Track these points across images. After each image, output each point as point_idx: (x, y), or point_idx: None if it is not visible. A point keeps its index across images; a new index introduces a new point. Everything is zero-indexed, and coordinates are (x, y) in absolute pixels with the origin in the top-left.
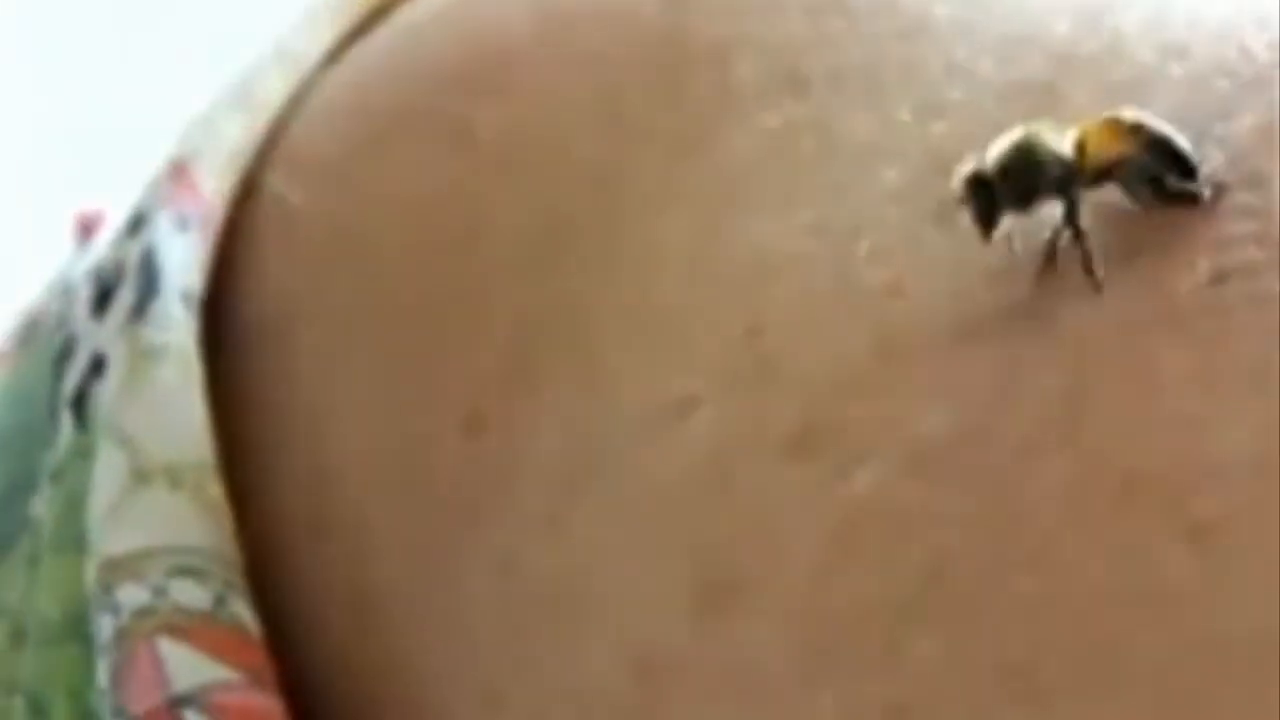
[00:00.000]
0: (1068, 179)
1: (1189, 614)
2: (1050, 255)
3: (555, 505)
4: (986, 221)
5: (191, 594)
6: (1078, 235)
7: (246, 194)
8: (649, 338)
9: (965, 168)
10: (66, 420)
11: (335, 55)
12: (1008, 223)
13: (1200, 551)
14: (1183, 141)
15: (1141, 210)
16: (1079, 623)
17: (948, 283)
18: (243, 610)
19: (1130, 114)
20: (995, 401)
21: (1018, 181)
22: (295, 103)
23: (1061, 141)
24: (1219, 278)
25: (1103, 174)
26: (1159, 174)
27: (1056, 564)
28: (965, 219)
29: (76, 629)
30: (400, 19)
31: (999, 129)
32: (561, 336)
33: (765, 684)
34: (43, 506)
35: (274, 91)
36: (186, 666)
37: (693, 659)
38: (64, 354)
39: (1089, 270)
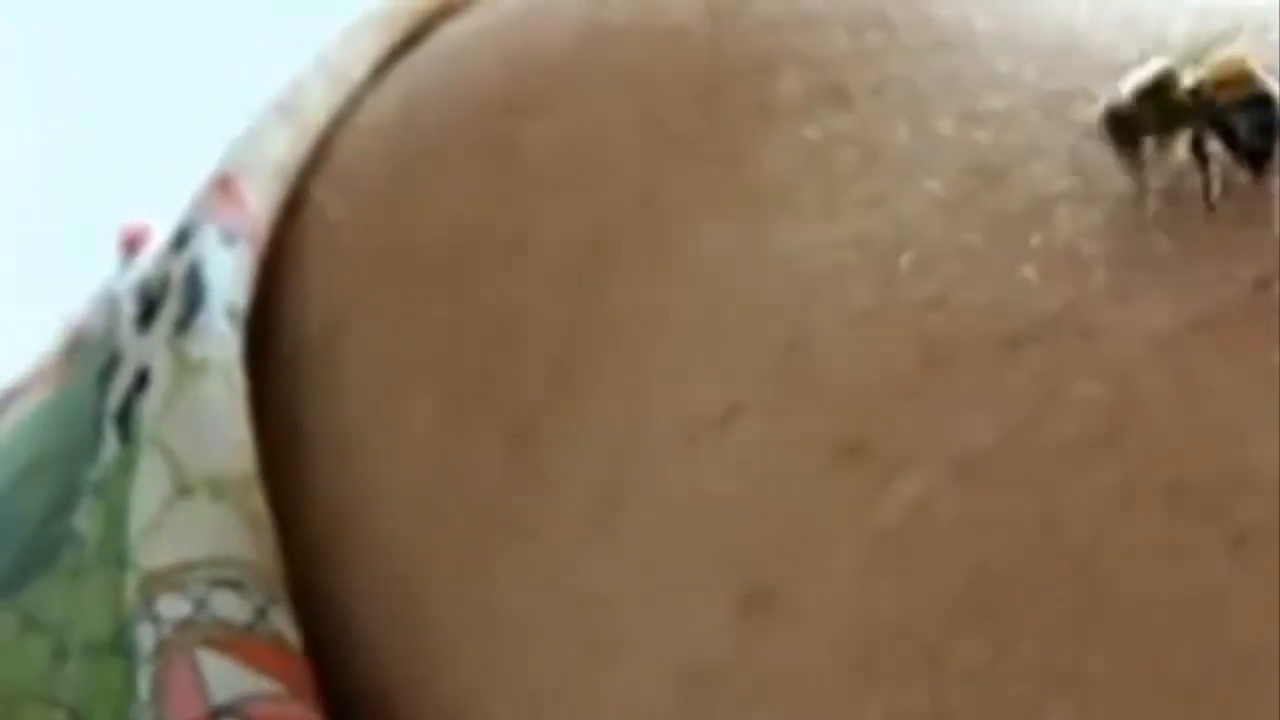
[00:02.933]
0: (1195, 110)
1: (1231, 621)
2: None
3: (598, 517)
4: (1130, 149)
5: (233, 606)
6: (1205, 162)
7: (292, 209)
8: (692, 350)
9: (1102, 102)
10: (111, 434)
11: (380, 71)
12: (1145, 151)
13: (1242, 559)
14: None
15: (1183, 211)
16: (1122, 630)
17: (991, 293)
18: (284, 623)
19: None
20: (1039, 410)
21: (1158, 107)
22: (341, 119)
23: (1185, 79)
24: (1262, 283)
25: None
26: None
27: (1100, 571)
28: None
29: (118, 643)
30: (444, 37)
31: (1042, 137)
32: (605, 350)
33: (810, 695)
34: (86, 520)
35: (319, 107)
36: (227, 678)
37: (736, 670)
38: (109, 368)
39: (1207, 198)
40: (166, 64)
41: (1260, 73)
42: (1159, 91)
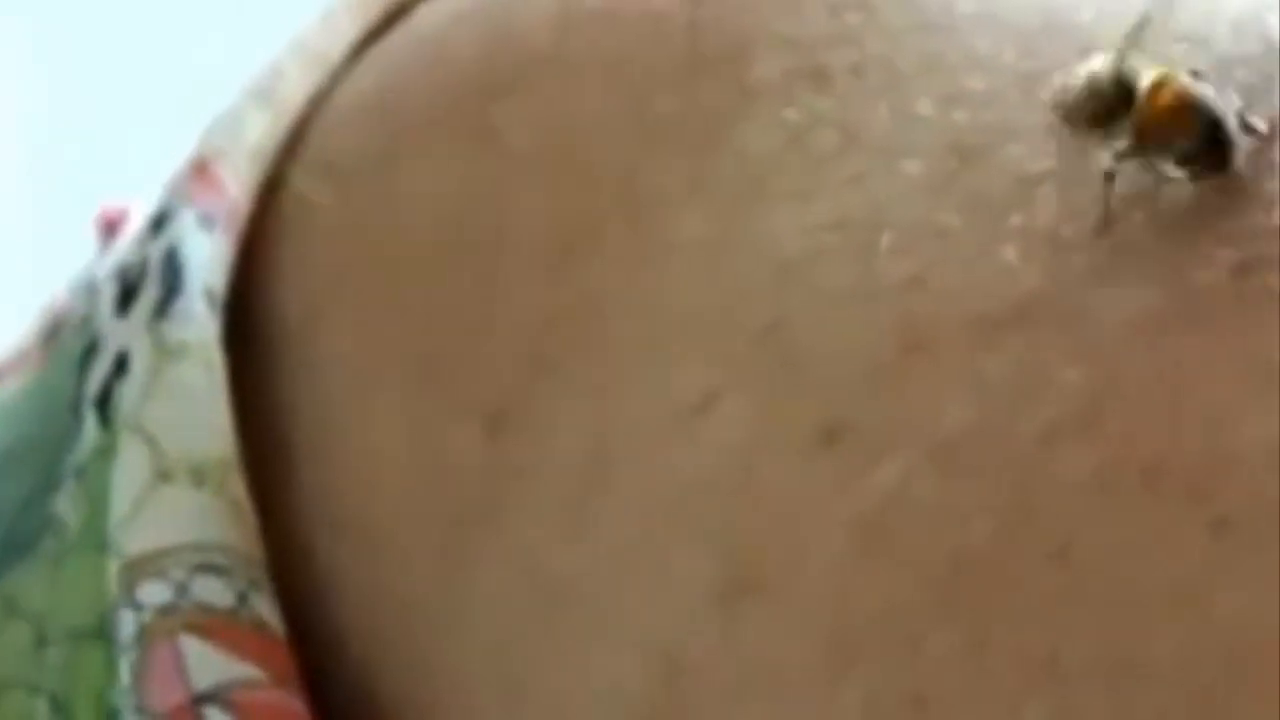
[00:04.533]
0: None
1: (1212, 606)
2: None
3: (577, 503)
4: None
5: (214, 591)
6: (1111, 179)
7: (270, 192)
8: (670, 335)
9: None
10: (90, 419)
11: (357, 54)
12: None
13: (1224, 543)
14: (1231, 127)
15: (1164, 196)
16: (1101, 614)
17: (970, 275)
18: (266, 608)
19: (1195, 89)
20: (1018, 394)
21: (1099, 107)
22: (318, 102)
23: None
24: (1241, 269)
25: (1149, 135)
26: (1197, 152)
27: (1079, 556)
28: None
29: (99, 629)
30: (421, 19)
31: (1021, 118)
32: (583, 335)
33: (789, 679)
34: (66, 506)
35: (296, 90)
36: (208, 664)
37: (716, 655)
38: (88, 353)
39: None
40: (146, 48)
41: (1196, 99)
42: (1098, 94)
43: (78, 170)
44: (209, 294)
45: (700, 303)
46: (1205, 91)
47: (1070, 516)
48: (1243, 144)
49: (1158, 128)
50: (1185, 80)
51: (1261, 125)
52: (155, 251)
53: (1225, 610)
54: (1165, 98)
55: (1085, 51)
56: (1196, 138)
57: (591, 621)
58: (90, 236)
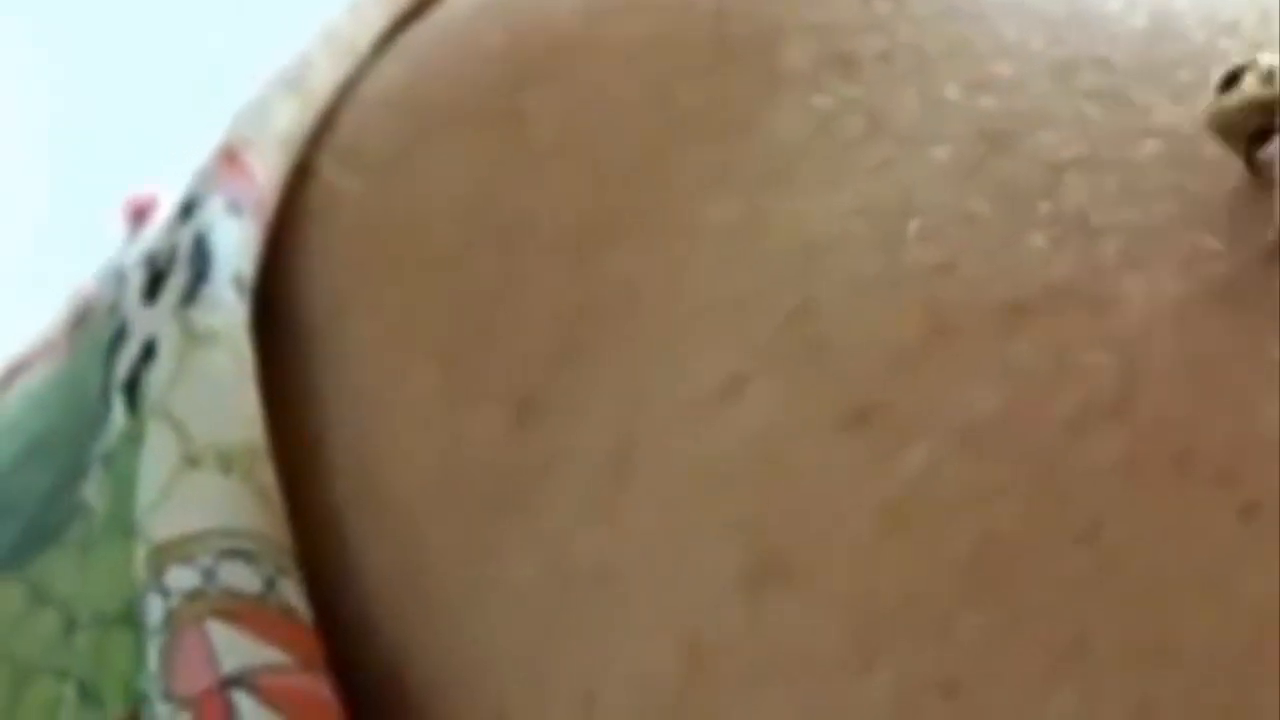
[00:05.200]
0: None
1: (1240, 589)
2: None
3: (604, 489)
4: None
5: (242, 577)
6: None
7: (299, 180)
8: (697, 321)
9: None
10: (118, 406)
11: (386, 43)
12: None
13: (1252, 527)
14: None
15: (1193, 182)
16: (1130, 599)
17: (999, 261)
18: (293, 594)
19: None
20: (1046, 378)
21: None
22: (347, 90)
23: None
24: (1271, 255)
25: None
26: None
27: (1107, 540)
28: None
29: (127, 615)
30: (449, 8)
31: (1050, 105)
32: (611, 322)
33: (817, 664)
34: (94, 492)
35: (325, 78)
36: (236, 649)
37: (743, 641)
38: (116, 340)
39: None
40: (152, 42)
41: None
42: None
43: (87, 165)
44: (238, 280)
45: (727, 289)
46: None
47: (1099, 501)
48: None
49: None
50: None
51: None
52: (184, 238)
53: (1253, 594)
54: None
55: (1115, 38)
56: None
57: (618, 608)
58: (98, 231)
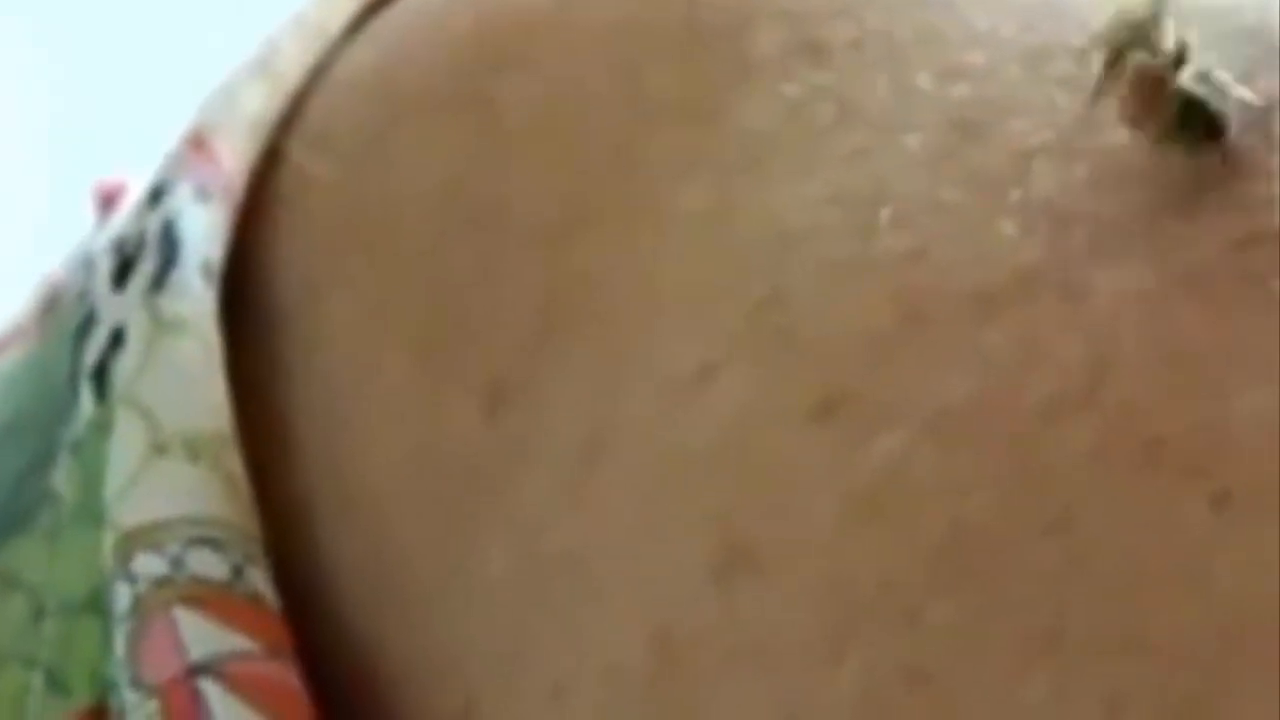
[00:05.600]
0: None
1: (1212, 579)
2: None
3: (575, 478)
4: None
5: (210, 564)
6: None
7: (267, 165)
8: (668, 308)
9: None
10: (87, 393)
11: (356, 27)
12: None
13: (1223, 516)
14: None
15: (1164, 170)
16: (1102, 588)
17: (970, 249)
18: (261, 582)
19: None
20: (1017, 367)
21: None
22: (316, 75)
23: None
24: (1241, 243)
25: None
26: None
27: (1078, 529)
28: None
29: (95, 602)
30: None
31: (1021, 93)
32: (582, 309)
33: (787, 653)
34: (63, 480)
35: (294, 63)
36: (203, 636)
37: (713, 629)
38: (85, 327)
39: None
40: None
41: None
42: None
43: (87, 165)
44: (206, 267)
45: (698, 276)
46: (1168, 69)
47: (1070, 490)
48: (1233, 117)
49: (1125, 111)
50: (1141, 60)
51: (1254, 98)
52: (152, 224)
53: (1226, 583)
54: (1124, 81)
55: (1086, 27)
56: (1169, 117)
57: (589, 599)
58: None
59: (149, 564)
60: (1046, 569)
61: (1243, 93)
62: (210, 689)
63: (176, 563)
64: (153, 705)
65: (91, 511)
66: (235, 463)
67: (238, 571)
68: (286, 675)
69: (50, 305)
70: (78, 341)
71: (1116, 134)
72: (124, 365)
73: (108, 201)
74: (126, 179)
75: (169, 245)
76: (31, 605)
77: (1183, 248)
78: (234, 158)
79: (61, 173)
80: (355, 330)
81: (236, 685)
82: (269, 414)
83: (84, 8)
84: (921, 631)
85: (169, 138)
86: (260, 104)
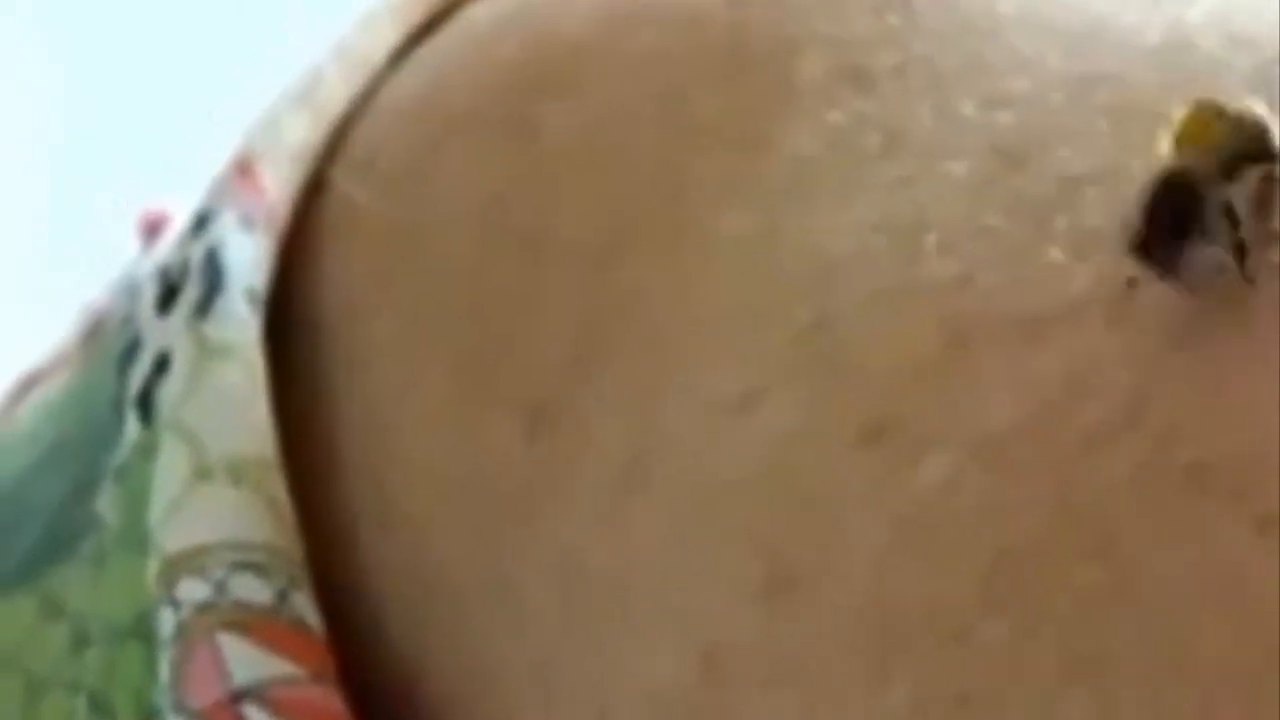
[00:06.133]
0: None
1: (1256, 604)
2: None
3: (618, 500)
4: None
5: (253, 589)
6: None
7: (311, 193)
8: (713, 333)
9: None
10: (131, 419)
11: (399, 57)
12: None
13: (1268, 542)
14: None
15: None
16: (1146, 611)
17: (1015, 275)
18: (305, 606)
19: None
20: (1063, 392)
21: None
22: (360, 103)
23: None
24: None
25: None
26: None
27: (1123, 553)
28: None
29: (139, 628)
30: (463, 21)
31: (1066, 120)
32: (625, 333)
33: (833, 675)
34: (107, 505)
35: (338, 92)
36: (247, 661)
37: (760, 651)
38: (129, 353)
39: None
40: (176, 47)
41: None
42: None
43: (91, 176)
44: (250, 294)
45: (742, 301)
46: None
47: (1114, 514)
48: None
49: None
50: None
51: None
52: (197, 252)
53: (1270, 607)
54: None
55: (1131, 54)
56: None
57: (631, 620)
58: (102, 241)
59: (193, 589)
60: (1091, 593)
61: None
62: (254, 715)
63: (220, 588)
64: None
65: (136, 537)
66: (279, 486)
67: (282, 596)
68: (330, 700)
69: (94, 331)
70: (122, 367)
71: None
72: (169, 391)
73: (152, 229)
74: (170, 207)
75: (213, 272)
76: (74, 631)
77: (1224, 273)
78: (278, 186)
79: (65, 184)
80: (397, 351)
81: (280, 711)
82: (313, 438)
83: (90, 17)
84: (967, 654)
85: (173, 149)
86: (304, 133)
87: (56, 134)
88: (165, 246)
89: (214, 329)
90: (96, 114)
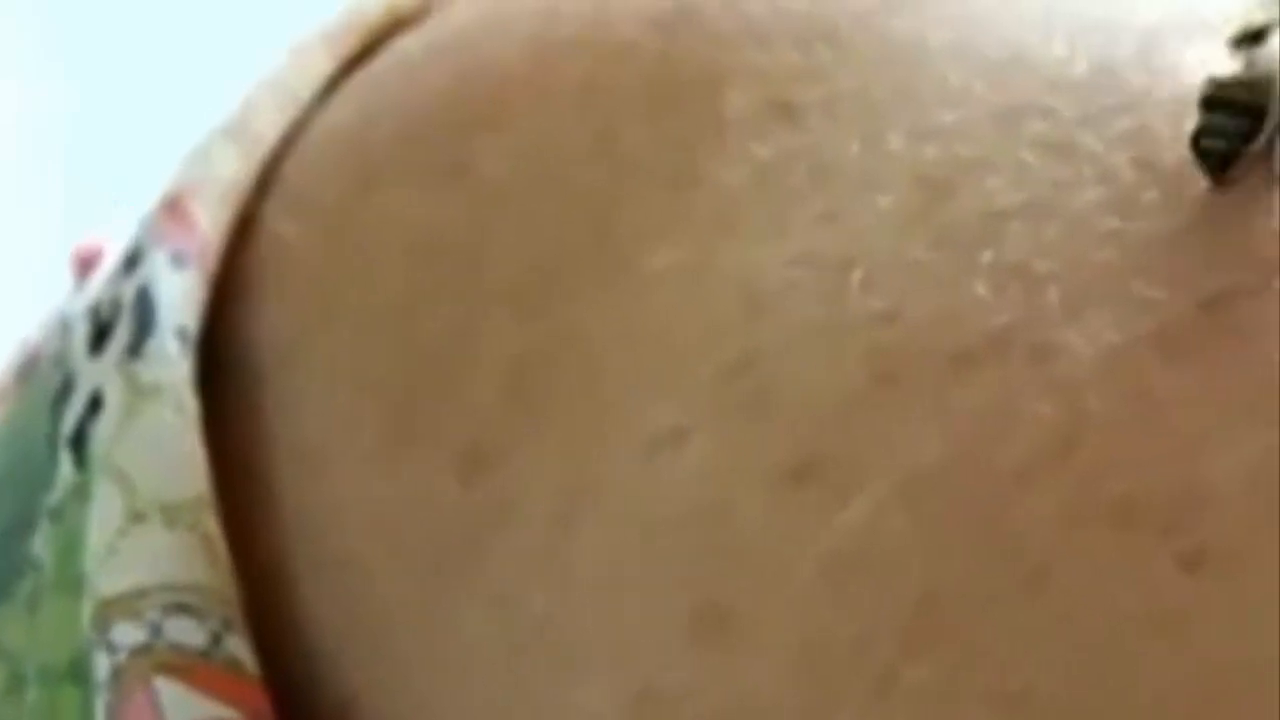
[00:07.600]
0: None
1: (1187, 640)
2: None
3: (552, 540)
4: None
5: (188, 632)
6: None
7: (242, 229)
8: (645, 371)
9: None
10: (65, 460)
11: (330, 88)
12: None
13: (1198, 576)
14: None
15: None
16: (1075, 650)
17: (942, 309)
18: (240, 648)
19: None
20: (990, 428)
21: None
22: (291, 137)
23: None
24: (1214, 301)
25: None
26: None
27: (1052, 591)
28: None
29: (74, 671)
30: (395, 53)
31: (993, 152)
32: (558, 371)
33: (764, 717)
34: (42, 546)
35: (269, 125)
36: (183, 705)
37: (691, 692)
38: (63, 393)
39: None
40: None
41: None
42: None
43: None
44: (181, 333)
45: (672, 338)
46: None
47: (1043, 551)
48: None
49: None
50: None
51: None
52: (128, 290)
53: (1203, 643)
54: None
55: (1058, 85)
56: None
57: (569, 661)
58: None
59: (127, 633)
60: (1019, 632)
61: None
62: None
63: (155, 630)
64: None
65: (71, 579)
66: (213, 527)
67: (216, 639)
68: None
69: (28, 369)
70: (56, 406)
71: (1087, 194)
72: (101, 432)
73: (85, 265)
74: (104, 242)
75: (144, 312)
76: (10, 672)
77: (1153, 308)
78: (209, 222)
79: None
80: (331, 392)
81: None
82: (248, 477)
83: (98, 21)
84: (895, 694)
85: (181, 151)
86: (235, 167)
87: (70, 142)
88: (97, 283)
89: (145, 369)
90: (110, 122)
